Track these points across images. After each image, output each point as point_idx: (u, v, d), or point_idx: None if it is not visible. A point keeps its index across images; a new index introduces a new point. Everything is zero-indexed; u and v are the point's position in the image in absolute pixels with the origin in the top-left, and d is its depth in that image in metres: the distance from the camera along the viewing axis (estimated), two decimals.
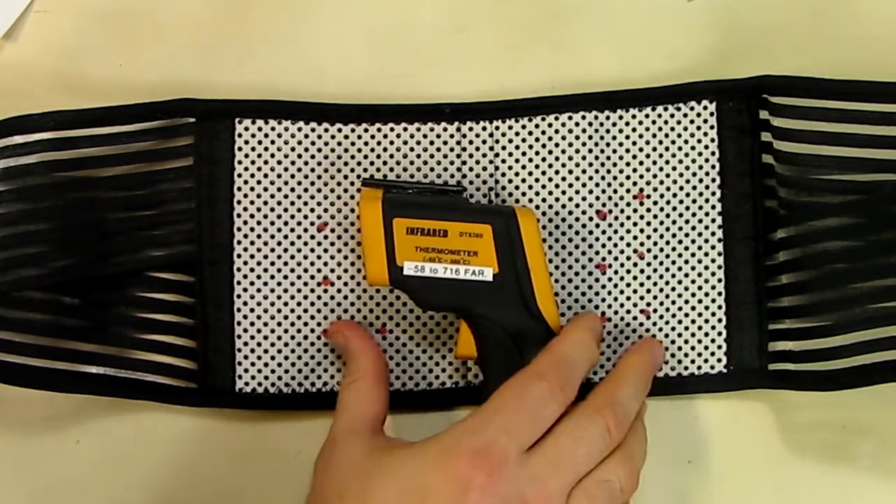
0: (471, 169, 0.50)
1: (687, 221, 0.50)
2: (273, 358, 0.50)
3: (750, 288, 0.50)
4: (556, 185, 0.50)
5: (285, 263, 0.50)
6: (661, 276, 0.50)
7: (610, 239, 0.50)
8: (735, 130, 0.50)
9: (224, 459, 0.51)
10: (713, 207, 0.50)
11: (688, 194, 0.50)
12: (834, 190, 0.48)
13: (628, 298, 0.50)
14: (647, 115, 0.50)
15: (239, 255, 0.50)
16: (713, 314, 0.50)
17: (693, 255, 0.50)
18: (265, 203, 0.50)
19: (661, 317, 0.50)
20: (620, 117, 0.50)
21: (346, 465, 0.44)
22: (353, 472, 0.43)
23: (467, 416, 0.43)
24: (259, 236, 0.50)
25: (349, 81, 0.51)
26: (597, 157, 0.50)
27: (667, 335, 0.50)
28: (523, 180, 0.50)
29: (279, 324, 0.50)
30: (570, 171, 0.50)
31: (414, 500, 0.41)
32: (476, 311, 0.46)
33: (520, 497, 0.41)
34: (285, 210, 0.50)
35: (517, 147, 0.50)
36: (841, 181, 0.48)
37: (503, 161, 0.50)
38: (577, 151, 0.50)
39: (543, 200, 0.50)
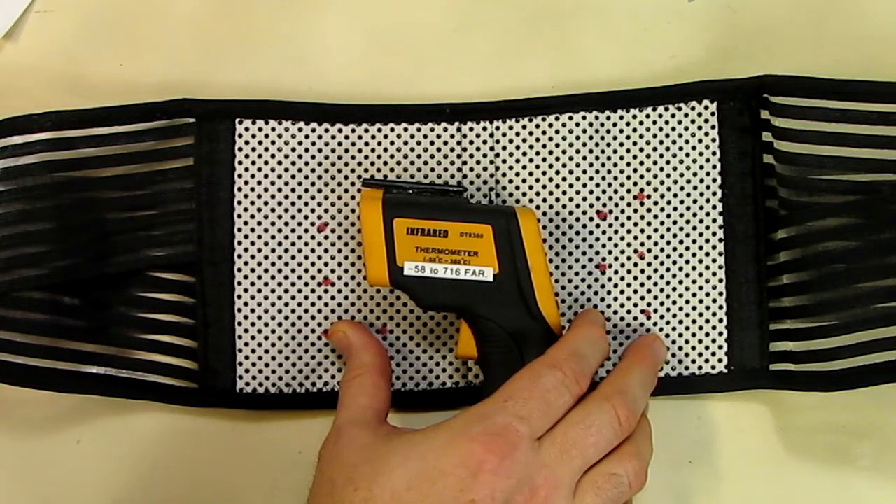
0: (471, 169, 0.50)
1: (688, 222, 0.50)
2: (273, 358, 0.50)
3: (751, 288, 0.50)
4: (557, 186, 0.50)
5: (286, 264, 0.50)
6: (661, 277, 0.50)
7: (610, 239, 0.50)
8: (736, 130, 0.50)
9: (224, 459, 0.51)
10: (714, 207, 0.50)
11: (688, 194, 0.50)
12: (834, 190, 0.48)
13: (629, 299, 0.50)
14: (647, 116, 0.50)
15: (239, 256, 0.50)
16: (714, 314, 0.50)
17: (694, 255, 0.50)
18: (265, 203, 0.50)
19: (662, 317, 0.50)
20: (621, 117, 0.50)
21: (353, 450, 0.43)
22: (362, 458, 0.43)
23: (478, 403, 0.43)
24: (259, 236, 0.50)
25: (349, 81, 0.51)
26: (597, 158, 0.50)
27: (667, 335, 0.50)
28: (523, 180, 0.50)
29: (279, 324, 0.50)
30: (571, 172, 0.50)
31: (425, 483, 0.41)
32: (476, 312, 0.46)
33: (529, 482, 0.41)
34: (286, 210, 0.50)
35: (517, 147, 0.50)
36: (841, 181, 0.48)
37: (503, 161, 0.50)
38: (578, 151, 0.50)
39: (544, 200, 0.50)
